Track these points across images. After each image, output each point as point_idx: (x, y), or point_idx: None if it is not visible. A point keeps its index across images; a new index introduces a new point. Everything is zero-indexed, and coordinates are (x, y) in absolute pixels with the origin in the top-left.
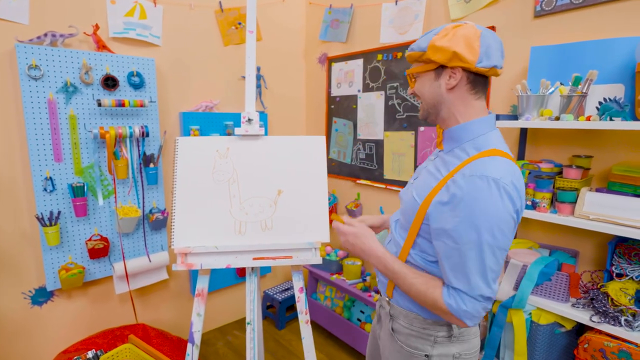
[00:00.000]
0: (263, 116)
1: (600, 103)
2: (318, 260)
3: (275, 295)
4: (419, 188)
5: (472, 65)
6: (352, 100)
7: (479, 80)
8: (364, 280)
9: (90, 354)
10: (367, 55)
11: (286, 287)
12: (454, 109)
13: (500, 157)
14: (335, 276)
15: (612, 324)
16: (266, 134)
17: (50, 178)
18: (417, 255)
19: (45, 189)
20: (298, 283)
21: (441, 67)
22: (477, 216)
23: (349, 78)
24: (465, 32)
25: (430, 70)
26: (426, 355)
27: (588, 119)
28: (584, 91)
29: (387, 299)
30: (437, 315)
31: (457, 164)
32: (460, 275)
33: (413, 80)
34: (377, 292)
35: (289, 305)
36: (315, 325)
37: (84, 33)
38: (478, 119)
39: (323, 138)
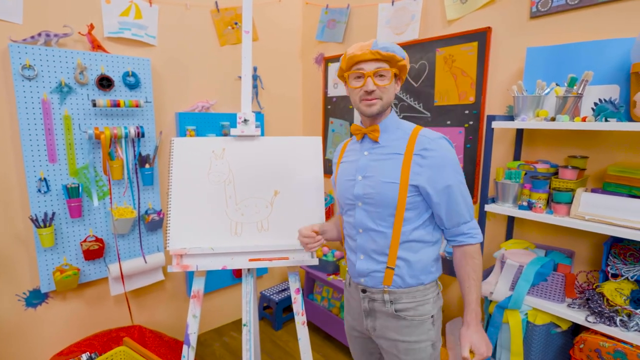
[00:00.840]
0: (260, 116)
1: (595, 104)
2: (314, 262)
3: (272, 296)
4: (385, 175)
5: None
6: (348, 100)
7: None
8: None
9: (84, 357)
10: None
11: (283, 288)
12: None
13: (424, 128)
14: (332, 277)
15: (608, 324)
16: (263, 134)
17: (45, 179)
18: (408, 229)
19: (39, 190)
20: (294, 284)
21: (397, 77)
22: (455, 164)
23: None
24: None
25: (393, 77)
26: (432, 316)
27: (584, 119)
28: (579, 92)
29: (385, 288)
30: (434, 273)
31: (404, 144)
32: (467, 210)
33: (382, 76)
34: (364, 291)
35: (286, 306)
36: (312, 326)
37: (79, 33)
38: (393, 112)
39: (319, 139)
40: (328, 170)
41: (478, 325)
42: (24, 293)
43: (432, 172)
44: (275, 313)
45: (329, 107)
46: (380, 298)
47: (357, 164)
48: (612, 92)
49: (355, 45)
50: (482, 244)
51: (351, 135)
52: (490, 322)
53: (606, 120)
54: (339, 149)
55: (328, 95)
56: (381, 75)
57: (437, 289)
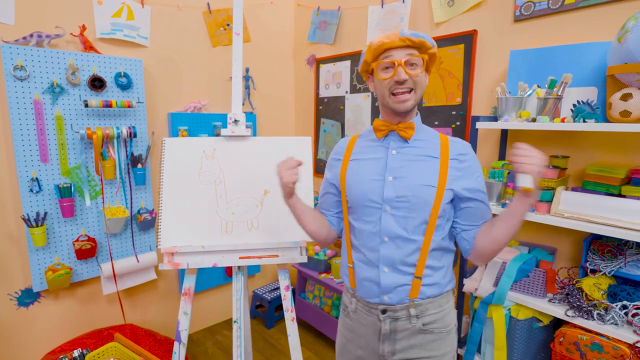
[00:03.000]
0: (252, 117)
1: (574, 105)
2: (303, 259)
3: (264, 295)
4: (422, 177)
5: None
6: (339, 101)
7: None
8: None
9: (76, 353)
10: (354, 57)
11: (275, 287)
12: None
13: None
14: (323, 275)
15: (586, 318)
16: (255, 134)
17: (37, 179)
18: (438, 237)
19: (31, 190)
20: (284, 281)
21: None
22: (480, 171)
23: (336, 79)
24: None
25: (429, 67)
26: (454, 325)
27: (562, 120)
28: (559, 94)
29: (412, 301)
30: (453, 280)
31: (437, 147)
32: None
33: (414, 65)
34: (383, 312)
35: (278, 305)
36: (305, 324)
37: (71, 34)
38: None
39: (309, 139)
40: (319, 170)
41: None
42: (16, 292)
43: (469, 177)
44: (267, 311)
45: (321, 107)
46: (405, 315)
47: (382, 163)
48: (590, 94)
49: (379, 36)
50: None
51: (371, 133)
52: (475, 317)
53: (584, 121)
54: (343, 145)
55: (320, 96)
56: (413, 64)
57: (453, 294)
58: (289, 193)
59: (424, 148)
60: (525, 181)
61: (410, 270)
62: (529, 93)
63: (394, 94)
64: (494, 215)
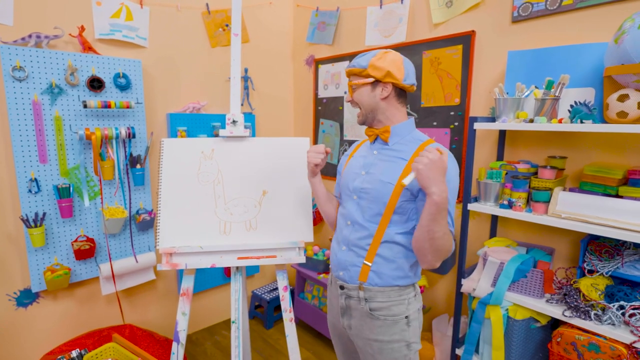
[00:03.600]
0: (251, 117)
1: (571, 106)
2: (301, 259)
3: (263, 295)
4: (384, 174)
5: (400, 81)
6: (338, 101)
7: (403, 93)
8: None
9: (74, 353)
10: (353, 58)
11: (274, 287)
12: (388, 113)
13: (435, 142)
14: (322, 275)
15: (583, 318)
16: (254, 135)
17: (35, 179)
18: (392, 231)
19: (30, 190)
20: (282, 282)
21: (376, 82)
22: (449, 179)
23: (335, 80)
24: (393, 57)
25: (368, 84)
26: (406, 317)
27: (560, 121)
28: (556, 95)
29: (361, 284)
30: (412, 278)
31: (412, 152)
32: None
33: (352, 90)
34: (341, 287)
35: (277, 305)
36: (303, 324)
37: (70, 34)
38: (409, 120)
39: (307, 140)
40: None
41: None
42: (15, 293)
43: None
44: (266, 312)
45: (320, 108)
46: (356, 295)
47: (364, 160)
48: (587, 94)
49: None
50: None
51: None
52: (473, 317)
53: (581, 122)
54: (353, 145)
55: (318, 97)
56: (353, 88)
57: (414, 292)
58: (311, 172)
59: (400, 151)
60: (406, 178)
61: (362, 254)
62: (526, 94)
63: None
64: (497, 217)
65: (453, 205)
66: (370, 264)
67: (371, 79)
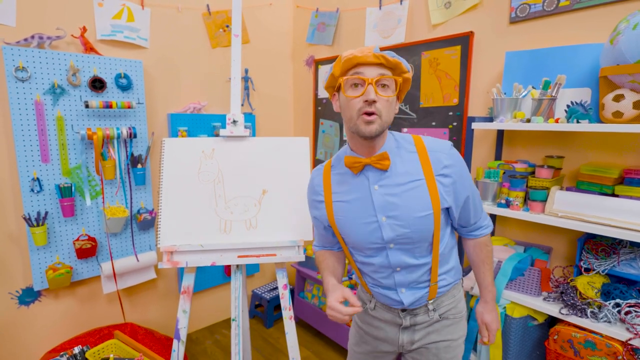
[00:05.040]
0: (251, 117)
1: (568, 106)
2: (301, 258)
3: (263, 294)
4: (417, 209)
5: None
6: None
7: None
8: (350, 279)
9: (76, 349)
10: None
11: (274, 287)
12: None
13: (420, 135)
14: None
15: (580, 316)
16: (254, 135)
17: (38, 179)
18: (442, 246)
19: (32, 190)
20: (282, 280)
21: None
22: (467, 170)
23: None
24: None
25: (401, 92)
26: (466, 310)
27: (556, 121)
28: (553, 95)
29: (430, 302)
30: (459, 267)
31: (418, 165)
32: (481, 207)
33: (385, 87)
34: (403, 310)
35: (277, 304)
36: (303, 323)
37: (72, 35)
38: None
39: (307, 139)
40: None
41: (493, 303)
42: (17, 291)
43: (456, 189)
44: (266, 311)
45: (319, 108)
46: (424, 311)
47: (369, 202)
48: (584, 95)
49: (352, 50)
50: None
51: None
52: (471, 315)
53: (578, 122)
54: (318, 182)
55: (318, 97)
56: (384, 85)
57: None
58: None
59: (406, 172)
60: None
61: (426, 284)
62: (523, 94)
63: (362, 114)
64: (495, 216)
65: (478, 197)
66: (437, 283)
67: (400, 79)
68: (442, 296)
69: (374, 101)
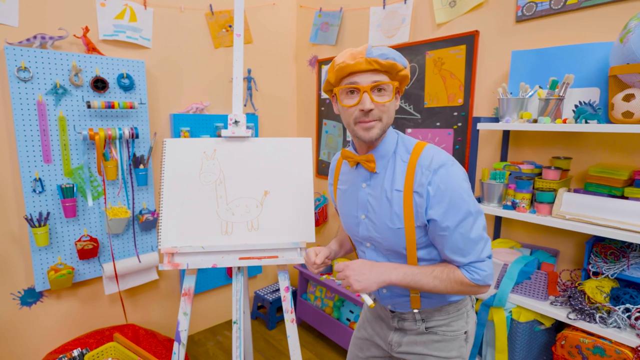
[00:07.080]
0: (254, 118)
1: (576, 106)
2: (302, 260)
3: (265, 296)
4: (389, 219)
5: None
6: None
7: None
8: None
9: (75, 352)
10: None
11: (277, 288)
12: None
13: (428, 145)
14: (325, 276)
15: (588, 321)
16: (257, 135)
17: (40, 179)
18: (423, 261)
19: (34, 190)
20: (284, 282)
21: (397, 89)
22: (456, 198)
23: None
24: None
25: (397, 90)
26: (465, 332)
27: (564, 121)
28: (561, 95)
29: (414, 311)
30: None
31: (403, 177)
32: (468, 251)
33: (381, 91)
34: (392, 311)
35: (279, 306)
36: (306, 325)
37: (74, 35)
38: (389, 131)
39: (309, 140)
40: (321, 171)
41: (380, 274)
42: (19, 292)
43: (434, 208)
44: (269, 313)
45: (323, 108)
46: (411, 318)
47: (356, 197)
48: (592, 94)
49: (345, 53)
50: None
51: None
52: (478, 320)
53: (586, 122)
54: (332, 166)
55: (321, 97)
56: (380, 90)
57: (470, 303)
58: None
59: (391, 179)
60: (366, 299)
61: (404, 291)
62: (530, 94)
63: (359, 122)
64: (500, 218)
65: (480, 226)
66: (418, 294)
67: (396, 83)
68: (433, 310)
69: (371, 110)
